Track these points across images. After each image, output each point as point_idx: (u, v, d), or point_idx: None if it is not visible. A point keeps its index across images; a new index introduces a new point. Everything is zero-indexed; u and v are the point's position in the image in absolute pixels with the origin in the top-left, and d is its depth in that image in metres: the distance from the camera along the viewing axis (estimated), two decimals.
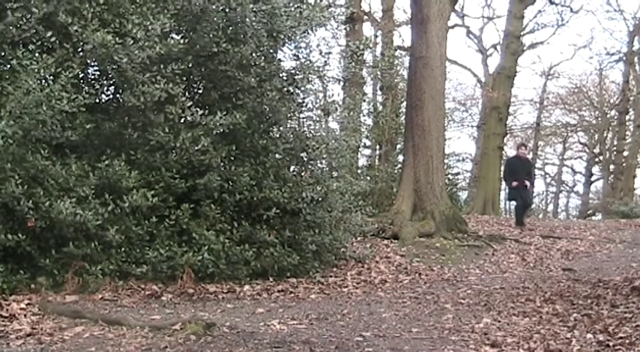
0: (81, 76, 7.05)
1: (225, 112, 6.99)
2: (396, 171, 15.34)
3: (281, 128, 8.05)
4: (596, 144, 34.60)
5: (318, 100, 8.83)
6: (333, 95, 11.08)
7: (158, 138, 6.82)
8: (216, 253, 6.84)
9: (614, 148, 30.51)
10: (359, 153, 17.40)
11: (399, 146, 16.78)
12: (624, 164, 27.79)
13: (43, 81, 6.33)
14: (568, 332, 5.01)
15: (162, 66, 6.77)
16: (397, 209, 11.47)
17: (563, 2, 24.75)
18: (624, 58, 27.31)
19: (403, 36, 33.55)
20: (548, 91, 33.28)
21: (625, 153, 28.27)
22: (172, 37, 7.08)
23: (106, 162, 6.43)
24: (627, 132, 29.00)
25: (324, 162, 8.60)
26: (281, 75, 7.94)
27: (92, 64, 7.09)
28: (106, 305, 5.95)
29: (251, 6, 7.28)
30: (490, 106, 21.76)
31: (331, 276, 7.91)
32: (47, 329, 4.96)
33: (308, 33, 8.12)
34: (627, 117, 28.66)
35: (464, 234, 11.28)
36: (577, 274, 8.42)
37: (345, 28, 16.60)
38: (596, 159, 34.70)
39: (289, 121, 8.20)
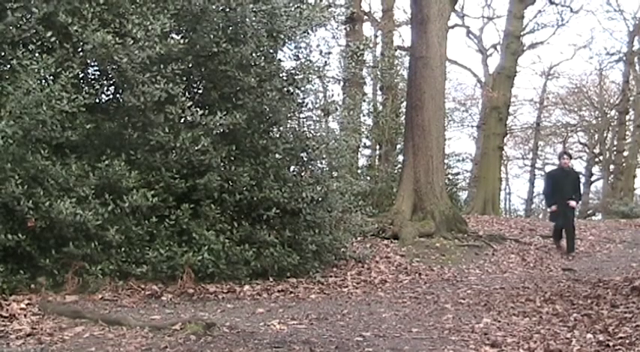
0: (81, 76, 7.05)
1: (225, 112, 6.99)
2: (396, 171, 15.34)
3: (281, 128, 8.05)
4: (596, 144, 34.60)
5: (318, 100, 8.84)
6: (333, 95, 11.14)
7: (158, 138, 6.82)
8: (216, 253, 6.84)
9: (614, 148, 30.52)
10: (359, 153, 17.42)
11: (399, 146, 16.78)
12: (624, 164, 27.79)
13: (43, 81, 6.33)
14: (568, 332, 5.01)
15: (162, 66, 6.77)
16: (397, 209, 11.48)
17: (563, 2, 24.78)
18: (624, 58, 27.31)
19: (403, 36, 33.62)
20: (548, 91, 33.33)
21: (625, 153, 28.27)
22: (172, 37, 7.08)
23: (106, 162, 6.43)
24: (627, 132, 29.00)
25: (324, 162, 8.61)
26: (281, 75, 7.94)
27: (92, 64, 7.10)
28: (106, 305, 5.95)
29: (251, 6, 7.28)
30: (490, 106, 21.77)
31: (331, 276, 7.91)
32: (47, 329, 4.96)
33: (308, 33, 8.13)
34: (627, 117, 28.67)
35: (464, 234, 11.29)
36: (577, 274, 8.43)
37: (345, 28, 16.63)
38: (596, 159, 34.71)
39: (289, 121, 8.20)
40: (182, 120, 7.04)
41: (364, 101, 16.64)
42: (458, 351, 4.58)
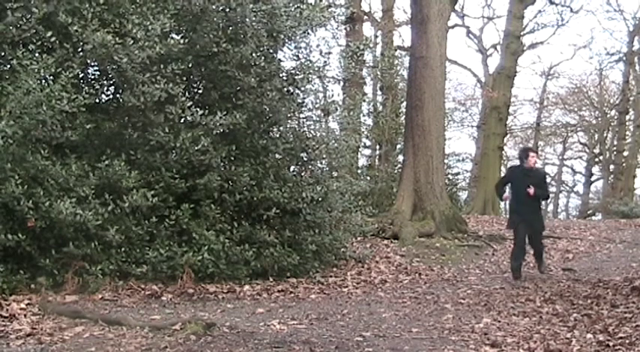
0: (81, 76, 7.06)
1: (225, 112, 6.99)
2: (396, 171, 15.35)
3: (281, 128, 8.05)
4: (596, 144, 34.57)
5: (318, 100, 8.84)
6: (333, 95, 11.10)
7: (158, 138, 6.82)
8: (216, 253, 6.84)
9: (614, 148, 30.49)
10: (359, 153, 17.43)
11: (399, 146, 16.79)
12: (624, 164, 27.77)
13: (43, 81, 6.34)
14: (568, 332, 5.01)
15: (162, 66, 6.77)
16: (397, 209, 11.48)
17: (563, 2, 24.76)
18: (624, 58, 27.28)
19: (403, 36, 33.64)
20: (548, 91, 33.28)
21: (625, 153, 28.25)
22: (172, 37, 7.08)
23: (106, 162, 6.43)
24: (627, 132, 28.97)
25: (324, 162, 8.61)
26: (281, 75, 7.95)
27: (92, 64, 7.10)
28: (106, 305, 5.95)
29: (251, 6, 7.28)
30: (490, 106, 21.76)
31: (331, 276, 7.92)
32: (47, 329, 4.96)
33: (308, 33, 8.13)
34: (627, 117, 28.64)
35: (464, 234, 11.30)
36: (577, 274, 8.42)
37: (345, 28, 16.61)
38: (596, 159, 34.68)
39: (289, 121, 8.21)
40: (182, 120, 7.05)
41: (364, 101, 16.60)
42: (458, 351, 4.58)
